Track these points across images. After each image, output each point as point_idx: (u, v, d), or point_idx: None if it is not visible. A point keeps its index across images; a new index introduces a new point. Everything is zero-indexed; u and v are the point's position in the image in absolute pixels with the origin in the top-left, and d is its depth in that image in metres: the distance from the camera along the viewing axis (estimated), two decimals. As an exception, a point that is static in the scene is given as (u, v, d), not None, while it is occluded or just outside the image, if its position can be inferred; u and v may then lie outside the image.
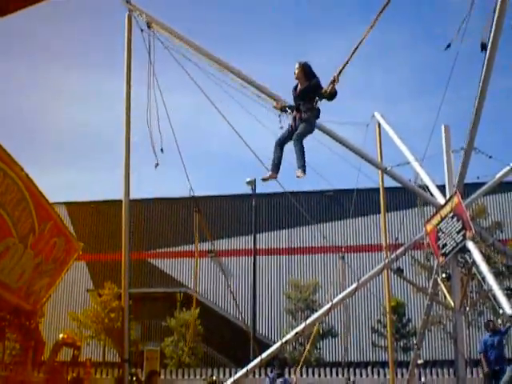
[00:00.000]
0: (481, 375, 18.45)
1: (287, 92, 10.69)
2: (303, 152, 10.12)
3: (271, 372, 17.79)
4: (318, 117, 10.35)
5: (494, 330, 14.90)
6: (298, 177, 10.13)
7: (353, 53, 10.00)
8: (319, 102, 10.18)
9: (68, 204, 40.39)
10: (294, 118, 10.25)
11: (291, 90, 10.46)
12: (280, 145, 10.40)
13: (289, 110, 10.49)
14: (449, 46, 10.18)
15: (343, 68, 10.18)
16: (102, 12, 69.88)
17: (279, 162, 10.47)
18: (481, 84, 10.49)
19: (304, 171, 10.08)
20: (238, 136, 11.76)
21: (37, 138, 73.06)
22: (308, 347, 23.20)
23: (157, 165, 12.21)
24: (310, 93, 10.12)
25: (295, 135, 10.01)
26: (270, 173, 10.45)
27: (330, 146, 12.43)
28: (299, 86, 10.26)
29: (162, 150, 12.10)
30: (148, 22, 12.29)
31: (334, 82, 10.07)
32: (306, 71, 10.20)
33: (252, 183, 29.96)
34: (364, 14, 67.44)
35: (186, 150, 12.51)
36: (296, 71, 10.21)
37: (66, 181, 65.12)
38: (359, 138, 14.65)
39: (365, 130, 15.35)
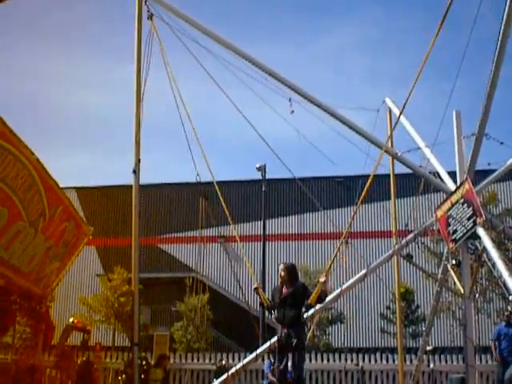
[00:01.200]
0: (491, 362, 18.35)
1: (297, 77, 10.61)
2: None
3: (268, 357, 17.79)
4: (306, 326, 9.90)
5: (509, 322, 14.87)
6: None
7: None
8: (306, 312, 9.81)
9: (78, 189, 40.47)
10: (280, 340, 9.33)
11: (273, 292, 9.79)
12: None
13: (274, 315, 9.63)
14: None
15: (332, 262, 10.11)
16: (112, -3, 69.79)
17: None
18: (492, 70, 10.42)
19: None
20: (248, 122, 11.75)
21: (47, 122, 73.23)
22: (311, 330, 23.18)
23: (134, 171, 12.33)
24: (297, 300, 9.42)
25: (295, 377, 8.99)
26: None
27: (340, 131, 12.40)
28: (284, 288, 9.54)
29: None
30: (150, 11, 12.31)
31: (324, 282, 9.73)
32: (292, 274, 9.65)
33: (262, 169, 29.89)
34: (375, -1, 67.07)
35: (195, 136, 12.45)
36: (282, 273, 9.59)
37: (76, 165, 65.34)
38: (370, 123, 14.61)
39: (375, 116, 15.31)
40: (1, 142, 8.98)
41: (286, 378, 9.33)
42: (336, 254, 11.26)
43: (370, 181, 10.91)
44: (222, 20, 66.10)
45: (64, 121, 71.36)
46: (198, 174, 12.32)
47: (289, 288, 9.45)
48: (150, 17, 12.37)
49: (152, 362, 19.11)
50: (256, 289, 10.12)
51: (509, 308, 16.00)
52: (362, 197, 11.41)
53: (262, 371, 22.24)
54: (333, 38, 68.02)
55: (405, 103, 10.81)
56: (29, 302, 11.93)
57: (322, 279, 9.85)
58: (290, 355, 9.22)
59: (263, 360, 20.96)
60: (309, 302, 9.54)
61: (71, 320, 14.35)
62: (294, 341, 9.08)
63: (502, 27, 9.91)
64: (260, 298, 9.96)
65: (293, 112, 11.20)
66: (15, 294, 11.48)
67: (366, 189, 11.12)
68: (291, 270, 9.67)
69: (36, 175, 10.22)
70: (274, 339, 9.55)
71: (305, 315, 9.77)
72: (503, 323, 14.96)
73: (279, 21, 71.13)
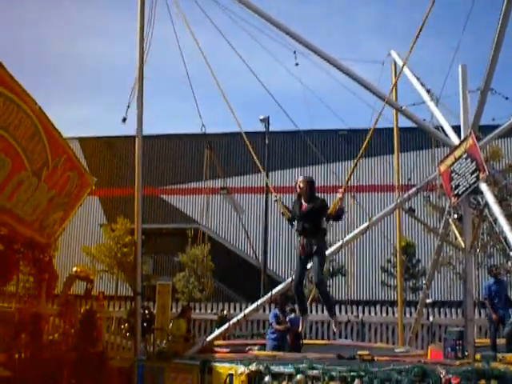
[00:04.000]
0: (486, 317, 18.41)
1: (303, 29, 10.48)
2: (328, 295, 10.03)
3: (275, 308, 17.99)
4: (325, 234, 10.08)
5: (496, 276, 14.93)
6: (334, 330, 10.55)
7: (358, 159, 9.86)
8: (326, 223, 9.92)
9: (81, 139, 40.45)
10: (303, 247, 9.89)
11: (293, 203, 10.11)
12: (298, 287, 10.13)
13: (294, 224, 10.11)
14: None
15: (347, 181, 10.08)
16: None
17: (305, 304, 10.39)
18: (499, 23, 10.32)
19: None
20: (252, 72, 11.67)
21: (51, 72, 72.78)
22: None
23: (124, 119, 12.19)
24: (316, 214, 9.79)
25: (316, 281, 9.68)
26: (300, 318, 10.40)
27: (345, 83, 12.31)
28: (302, 201, 9.94)
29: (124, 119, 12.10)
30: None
31: (340, 199, 9.90)
32: (311, 188, 9.97)
33: (265, 120, 29.80)
34: None
35: (199, 87, 12.39)
36: (301, 185, 9.91)
37: (79, 116, 65.14)
38: (375, 76, 14.50)
39: (380, 69, 15.20)
40: (3, 90, 8.93)
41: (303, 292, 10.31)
42: (350, 177, 11.34)
43: (371, 133, 10.81)
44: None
45: (68, 70, 70.92)
46: (203, 125, 12.29)
47: (308, 202, 9.83)
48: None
49: (154, 312, 19.30)
50: (277, 201, 10.53)
51: (509, 263, 16.09)
52: (363, 149, 11.33)
53: (264, 321, 22.53)
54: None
55: (407, 56, 10.69)
56: (32, 251, 11.99)
57: (339, 195, 10.01)
58: (311, 262, 9.90)
59: (264, 310, 21.19)
60: (329, 212, 9.86)
61: (74, 269, 14.42)
62: (315, 247, 9.68)
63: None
64: (281, 209, 10.39)
65: (297, 64, 11.11)
66: (19, 243, 11.54)
67: (367, 141, 11.04)
68: (311, 185, 9.97)
69: (39, 125, 10.18)
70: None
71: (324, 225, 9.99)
72: (492, 280, 14.99)
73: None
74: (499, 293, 14.58)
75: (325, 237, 9.99)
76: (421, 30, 10.20)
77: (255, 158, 12.21)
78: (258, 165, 12.83)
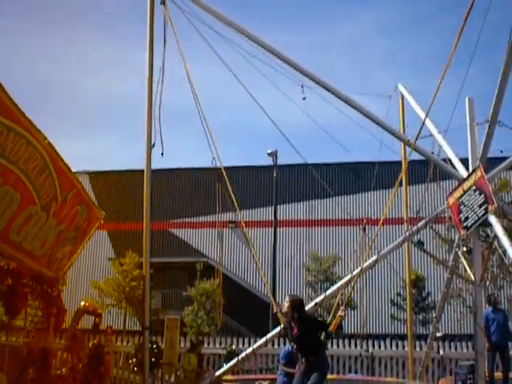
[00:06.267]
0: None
1: (312, 62, 10.53)
2: None
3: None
4: (326, 349, 9.33)
5: (495, 305, 14.74)
6: None
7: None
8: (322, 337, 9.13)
9: (90, 173, 40.63)
10: (301, 363, 9.03)
11: (287, 328, 9.23)
12: None
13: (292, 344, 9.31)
14: None
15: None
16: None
17: None
18: (506, 56, 10.37)
19: None
20: (260, 107, 11.72)
21: (62, 106, 73.36)
22: (332, 314, 23.17)
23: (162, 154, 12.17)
24: (308, 336, 8.94)
25: None
26: None
27: (352, 117, 12.35)
28: (293, 324, 9.05)
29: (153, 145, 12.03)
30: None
31: (340, 317, 9.28)
32: (297, 310, 9.06)
33: (273, 154, 29.88)
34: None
35: (209, 121, 12.41)
36: (285, 309, 9.11)
37: (89, 150, 65.49)
38: (382, 109, 14.56)
39: (388, 102, 15.26)
40: (13, 125, 9.01)
41: None
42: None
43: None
44: (236, 5, 65.90)
45: (79, 105, 71.50)
46: (213, 158, 12.28)
47: (297, 326, 9.05)
48: (163, 1, 12.25)
49: (162, 346, 19.19)
50: (276, 313, 9.84)
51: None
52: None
53: (272, 356, 22.32)
54: (351, 24, 67.67)
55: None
56: (41, 285, 11.99)
57: (341, 313, 9.41)
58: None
59: (273, 345, 21.03)
60: (331, 329, 9.13)
61: (82, 303, 14.41)
62: (313, 364, 8.87)
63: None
64: (280, 321, 9.62)
65: (305, 98, 11.15)
66: (27, 277, 11.55)
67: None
68: (297, 307, 9.16)
69: (48, 159, 10.25)
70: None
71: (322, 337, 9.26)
72: (490, 308, 14.81)
73: (296, 7, 70.81)
74: (496, 322, 14.37)
75: (324, 354, 9.21)
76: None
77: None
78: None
